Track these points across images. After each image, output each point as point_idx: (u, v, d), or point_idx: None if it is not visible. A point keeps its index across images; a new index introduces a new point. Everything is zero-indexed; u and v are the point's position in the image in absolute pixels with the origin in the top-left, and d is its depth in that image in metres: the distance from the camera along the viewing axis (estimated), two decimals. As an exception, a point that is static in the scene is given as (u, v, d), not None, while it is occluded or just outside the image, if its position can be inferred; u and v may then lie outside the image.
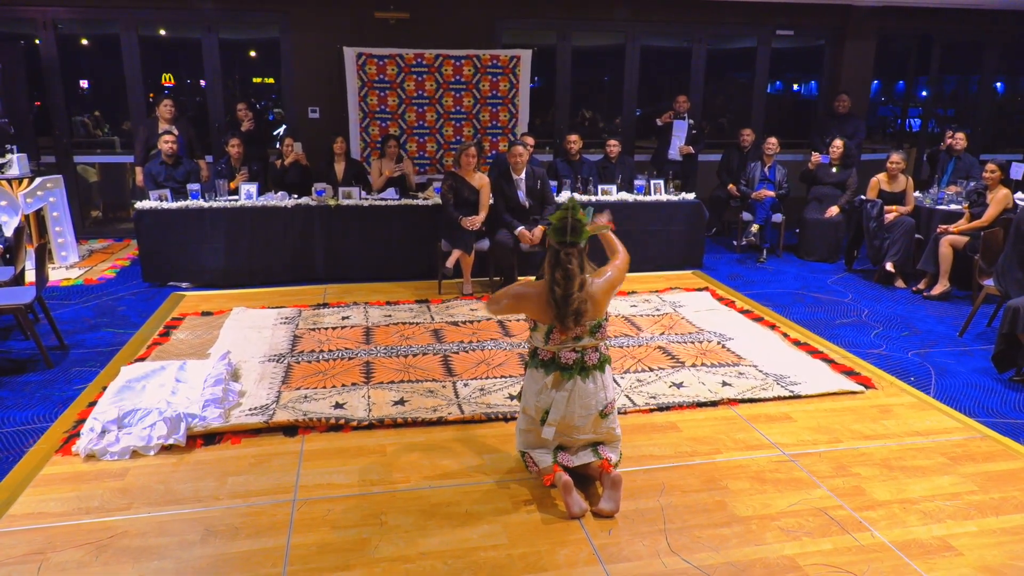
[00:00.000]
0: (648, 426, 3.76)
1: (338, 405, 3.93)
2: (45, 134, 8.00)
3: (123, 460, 3.37)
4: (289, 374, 4.34)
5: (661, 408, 3.95)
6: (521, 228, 5.99)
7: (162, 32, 8.44)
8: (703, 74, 8.93)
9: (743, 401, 4.05)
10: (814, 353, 4.74)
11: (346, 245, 6.47)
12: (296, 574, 2.62)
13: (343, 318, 5.41)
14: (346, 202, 6.41)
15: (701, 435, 3.67)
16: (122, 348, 4.81)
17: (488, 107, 8.12)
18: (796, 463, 3.40)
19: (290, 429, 3.69)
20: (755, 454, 3.48)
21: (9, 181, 6.48)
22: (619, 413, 3.72)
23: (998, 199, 5.87)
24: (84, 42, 8.61)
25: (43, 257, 4.73)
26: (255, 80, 9.68)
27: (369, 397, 4.04)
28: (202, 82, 8.35)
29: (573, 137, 7.33)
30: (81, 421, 3.65)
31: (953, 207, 6.53)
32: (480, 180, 6.13)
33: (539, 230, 5.95)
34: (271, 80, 9.50)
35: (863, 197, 6.86)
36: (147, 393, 3.81)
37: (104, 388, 3.95)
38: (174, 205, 6.21)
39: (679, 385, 4.24)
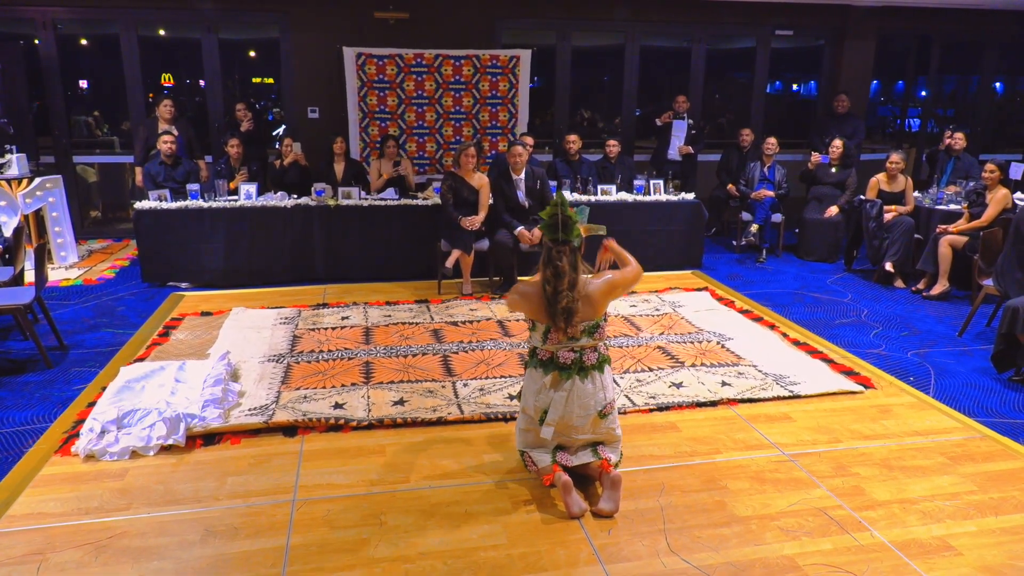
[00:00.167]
0: (648, 426, 3.76)
1: (338, 405, 3.93)
2: (44, 134, 8.00)
3: (122, 460, 3.37)
4: (289, 374, 4.34)
5: (661, 408, 3.95)
6: (520, 228, 5.99)
7: (162, 32, 8.44)
8: (703, 74, 8.93)
9: (743, 401, 4.05)
10: (813, 353, 4.74)
11: (346, 245, 6.47)
12: (296, 574, 2.62)
13: (343, 318, 5.41)
14: (346, 202, 6.41)
15: (701, 435, 3.67)
16: (121, 348, 4.80)
17: (488, 107, 8.12)
18: (796, 463, 3.40)
19: (290, 429, 3.69)
20: (755, 454, 3.48)
21: (8, 181, 6.48)
22: (619, 413, 3.71)
23: (997, 199, 5.88)
24: (84, 42, 8.60)
25: (42, 257, 4.73)
26: (255, 80, 9.68)
27: (369, 397, 4.04)
28: (202, 82, 8.35)
29: (572, 137, 7.33)
30: (80, 421, 3.65)
31: (952, 207, 6.54)
32: (479, 180, 6.13)
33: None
34: (271, 80, 9.50)
35: (862, 197, 6.86)
36: (146, 393, 3.81)
37: (103, 388, 3.95)
38: (173, 205, 6.21)
39: (679, 385, 4.24)
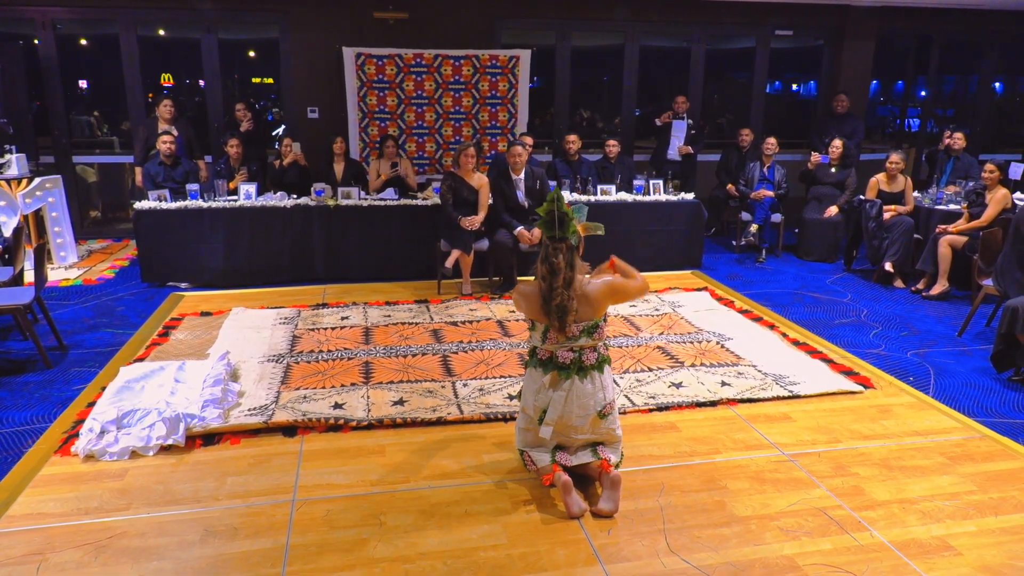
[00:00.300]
0: (647, 426, 3.76)
1: (337, 405, 3.93)
2: (44, 134, 8.00)
3: (122, 460, 3.37)
4: (288, 374, 4.34)
5: (660, 408, 3.95)
6: (520, 228, 5.99)
7: (161, 32, 8.43)
8: (702, 74, 8.93)
9: (742, 401, 4.05)
10: (813, 353, 4.74)
11: (345, 245, 6.47)
12: (295, 574, 2.62)
13: (342, 318, 5.41)
14: (345, 202, 6.41)
15: (700, 435, 3.67)
16: (121, 348, 4.80)
17: (487, 107, 8.12)
18: (795, 463, 3.40)
19: (289, 429, 3.69)
20: (754, 454, 3.48)
21: (8, 181, 6.48)
22: (619, 413, 3.71)
23: (997, 199, 5.88)
24: (83, 42, 8.60)
25: (42, 257, 4.72)
26: (254, 80, 9.68)
27: (368, 397, 4.04)
28: (201, 82, 8.34)
29: (572, 137, 7.33)
30: (80, 421, 3.65)
31: (952, 207, 6.54)
32: (479, 180, 6.13)
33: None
34: (270, 80, 9.50)
35: (862, 197, 6.86)
36: (146, 393, 3.81)
37: (103, 388, 3.95)
38: (173, 205, 6.21)
39: (678, 385, 4.24)
